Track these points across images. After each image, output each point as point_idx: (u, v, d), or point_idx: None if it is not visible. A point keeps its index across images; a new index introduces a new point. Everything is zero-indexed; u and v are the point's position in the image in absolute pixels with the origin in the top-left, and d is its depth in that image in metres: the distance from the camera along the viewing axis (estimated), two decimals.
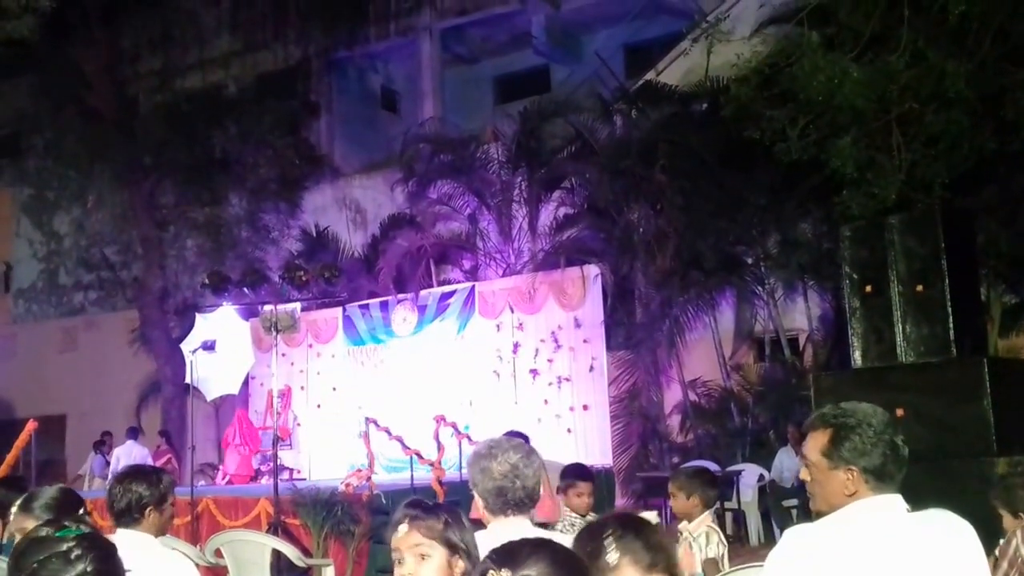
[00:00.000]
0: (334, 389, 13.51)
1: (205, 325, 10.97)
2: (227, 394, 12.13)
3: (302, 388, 13.76)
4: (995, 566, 3.49)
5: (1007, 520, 3.60)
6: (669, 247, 10.97)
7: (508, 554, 1.58)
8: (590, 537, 1.86)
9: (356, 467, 9.79)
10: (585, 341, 11.45)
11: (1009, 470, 4.38)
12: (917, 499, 2.18)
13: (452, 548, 2.06)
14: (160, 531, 3.07)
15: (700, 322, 11.37)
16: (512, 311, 11.97)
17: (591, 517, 4.10)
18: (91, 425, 15.61)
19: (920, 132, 7.27)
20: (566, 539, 1.91)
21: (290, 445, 12.96)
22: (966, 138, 7.22)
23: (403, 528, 2.08)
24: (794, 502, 9.15)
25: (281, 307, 9.28)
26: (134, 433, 13.34)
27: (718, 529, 3.89)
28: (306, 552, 7.38)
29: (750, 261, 11.38)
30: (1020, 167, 8.61)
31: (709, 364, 11.39)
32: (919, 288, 5.02)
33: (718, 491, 4.17)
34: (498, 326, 12.09)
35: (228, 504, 8.78)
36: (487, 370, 12.05)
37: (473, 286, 12.44)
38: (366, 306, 13.23)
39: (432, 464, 8.42)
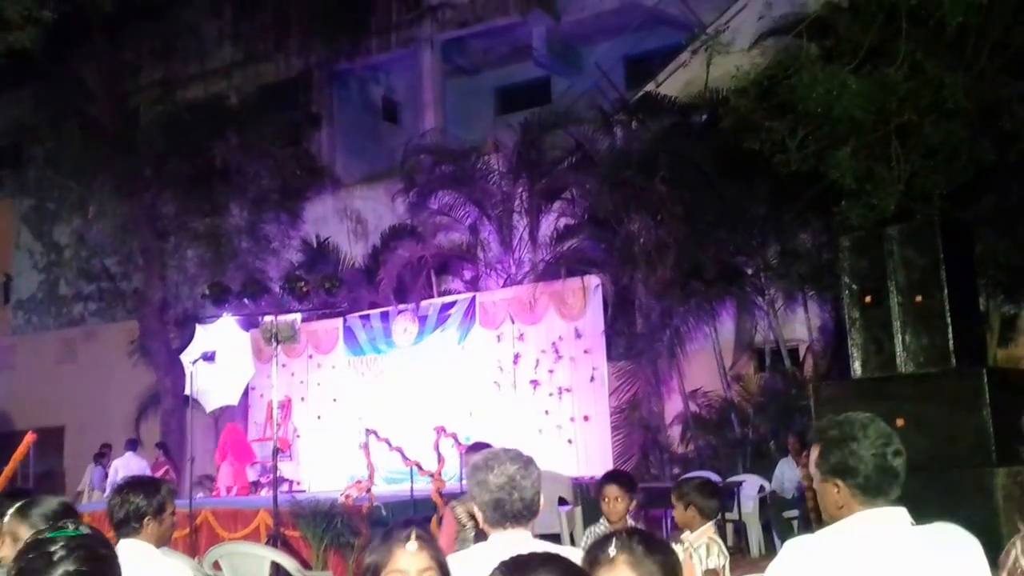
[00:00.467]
0: (334, 400, 13.50)
1: (205, 336, 10.97)
2: (227, 405, 12.12)
3: (302, 399, 13.74)
4: None
5: None
6: (669, 257, 10.98)
7: (517, 567, 1.59)
8: (599, 541, 1.90)
9: (356, 478, 9.76)
10: (586, 351, 11.45)
11: (1009, 480, 4.38)
12: (917, 509, 2.18)
13: (445, 574, 2.06)
14: (160, 541, 3.07)
15: (700, 332, 11.37)
16: (513, 321, 11.97)
17: (620, 524, 4.03)
18: (90, 437, 15.58)
19: (919, 143, 7.29)
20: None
21: (290, 456, 12.93)
22: (964, 149, 7.24)
23: (412, 547, 1.99)
24: (795, 513, 9.12)
25: (281, 318, 9.28)
26: (133, 445, 13.31)
27: (719, 540, 3.88)
28: (305, 564, 7.36)
29: (750, 271, 11.39)
30: (1018, 178, 8.63)
31: (709, 374, 11.38)
32: (918, 298, 5.03)
33: (719, 502, 4.15)
34: (499, 336, 12.09)
35: (227, 516, 8.77)
36: (488, 381, 12.04)
37: (474, 296, 12.45)
38: (367, 317, 13.23)
39: (432, 475, 8.39)
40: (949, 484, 4.49)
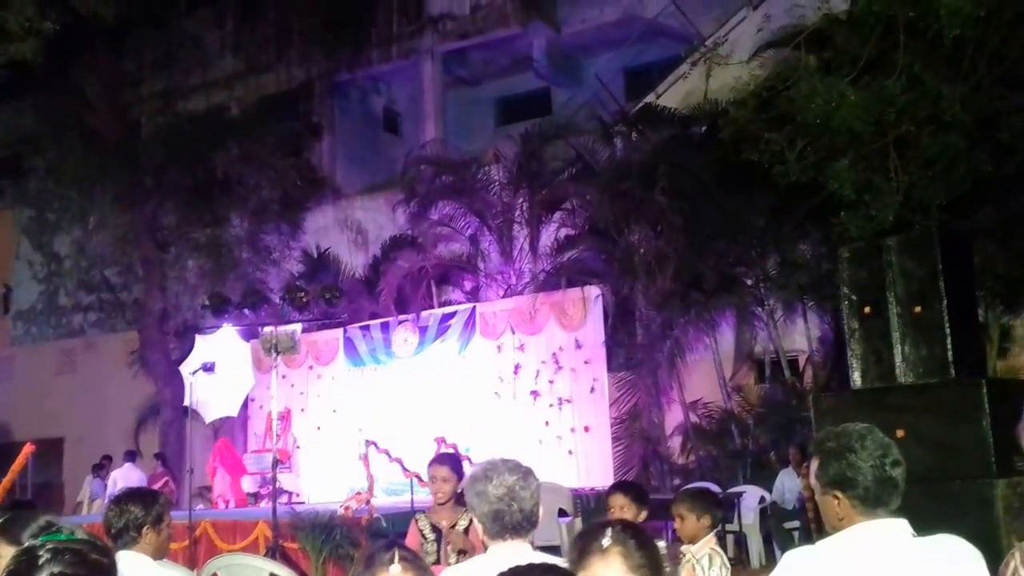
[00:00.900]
0: (334, 411, 13.48)
1: (205, 347, 10.95)
2: (226, 416, 12.09)
3: (302, 410, 13.72)
4: None
5: None
6: (669, 268, 10.99)
7: None
8: (591, 529, 1.94)
9: (356, 490, 9.74)
10: (586, 362, 11.45)
11: (1009, 491, 4.37)
12: (917, 521, 2.18)
13: None
14: (158, 552, 3.07)
15: (700, 343, 11.37)
16: (513, 332, 11.97)
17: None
18: (89, 448, 15.56)
19: (917, 154, 7.31)
20: None
21: (289, 468, 12.90)
22: (963, 160, 7.26)
23: (396, 569, 2.00)
24: (795, 524, 9.11)
25: (281, 328, 9.28)
26: (132, 456, 13.30)
27: (721, 551, 3.87)
28: None
29: (750, 282, 11.40)
30: (1016, 189, 8.65)
31: (710, 385, 11.38)
32: (917, 309, 5.02)
33: (721, 513, 4.13)
34: (499, 347, 12.09)
35: (226, 528, 8.74)
36: (488, 391, 12.03)
37: (474, 307, 12.45)
38: (367, 327, 13.23)
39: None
40: (949, 495, 4.48)
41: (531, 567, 1.62)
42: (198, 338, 11.37)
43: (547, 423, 11.55)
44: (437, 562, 4.23)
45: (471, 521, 3.31)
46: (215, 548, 8.37)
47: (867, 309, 5.19)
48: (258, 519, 8.61)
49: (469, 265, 13.12)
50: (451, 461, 4.58)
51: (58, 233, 19.15)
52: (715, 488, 8.54)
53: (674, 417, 11.35)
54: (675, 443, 11.30)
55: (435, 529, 4.39)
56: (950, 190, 7.34)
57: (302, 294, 9.26)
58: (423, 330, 12.69)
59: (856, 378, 5.23)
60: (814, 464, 2.26)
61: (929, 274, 5.03)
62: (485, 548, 2.56)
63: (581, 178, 12.19)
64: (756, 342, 11.70)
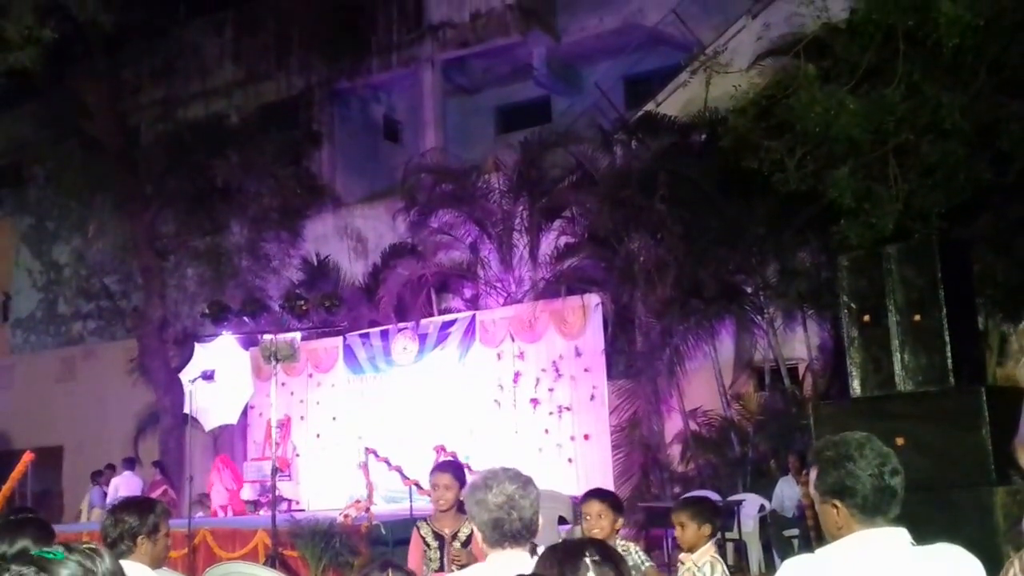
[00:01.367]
0: (334, 419, 13.46)
1: (204, 354, 10.95)
2: (226, 424, 12.09)
3: (302, 418, 13.70)
4: None
5: None
6: (669, 276, 10.99)
7: None
8: (567, 552, 1.92)
9: (355, 498, 9.72)
10: (586, 370, 11.43)
11: (1008, 499, 4.37)
12: (916, 529, 2.18)
13: None
14: (155, 561, 3.05)
15: (700, 351, 11.36)
16: (513, 340, 11.97)
17: (619, 542, 3.98)
18: (88, 456, 15.53)
19: (916, 163, 7.34)
20: None
21: (289, 476, 12.88)
22: (962, 168, 7.28)
23: None
24: (795, 532, 9.09)
25: (281, 336, 9.28)
26: (131, 464, 13.27)
27: (721, 560, 3.87)
28: None
29: (749, 290, 11.40)
30: (1015, 197, 8.66)
31: (709, 393, 11.36)
32: (917, 317, 5.03)
33: (720, 521, 4.12)
34: (499, 355, 12.08)
35: (225, 536, 8.72)
36: (488, 399, 12.02)
37: (474, 315, 12.45)
38: (367, 335, 13.22)
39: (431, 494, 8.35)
40: (948, 503, 4.47)
41: None
42: (197, 346, 11.37)
43: (547, 431, 11.53)
44: (441, 569, 4.22)
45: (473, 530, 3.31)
46: (214, 556, 8.34)
47: (867, 317, 5.19)
48: (257, 527, 8.59)
49: (469, 273, 13.12)
50: (453, 469, 4.58)
51: (58, 241, 19.16)
52: (715, 496, 8.53)
53: (674, 425, 11.34)
54: (675, 451, 11.29)
55: (438, 536, 4.38)
56: (949, 198, 7.36)
57: (302, 302, 9.28)
58: (423, 338, 12.68)
59: (856, 386, 5.23)
60: (813, 473, 2.26)
61: (929, 282, 5.04)
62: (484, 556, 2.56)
63: (581, 186, 12.19)
64: (756, 350, 11.69)
